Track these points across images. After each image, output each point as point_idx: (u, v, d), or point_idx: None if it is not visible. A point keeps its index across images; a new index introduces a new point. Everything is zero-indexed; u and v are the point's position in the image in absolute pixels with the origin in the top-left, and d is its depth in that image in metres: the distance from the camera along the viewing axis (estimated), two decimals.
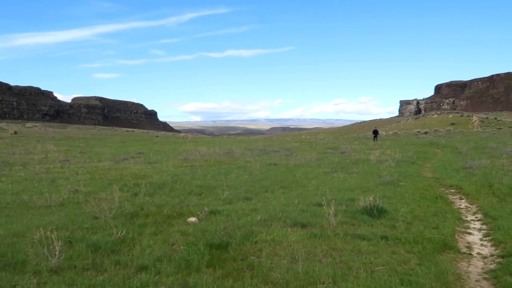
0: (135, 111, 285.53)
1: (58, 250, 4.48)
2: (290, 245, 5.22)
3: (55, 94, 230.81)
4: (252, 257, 4.81)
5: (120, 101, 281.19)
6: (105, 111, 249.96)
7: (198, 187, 10.35)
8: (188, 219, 6.66)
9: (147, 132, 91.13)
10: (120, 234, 5.50)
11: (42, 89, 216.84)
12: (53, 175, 12.95)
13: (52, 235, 4.70)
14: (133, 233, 5.77)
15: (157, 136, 65.41)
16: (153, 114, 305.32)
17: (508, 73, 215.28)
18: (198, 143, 38.27)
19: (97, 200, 7.92)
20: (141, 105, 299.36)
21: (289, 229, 5.99)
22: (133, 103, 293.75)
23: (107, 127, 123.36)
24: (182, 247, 5.16)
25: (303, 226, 6.21)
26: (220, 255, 4.91)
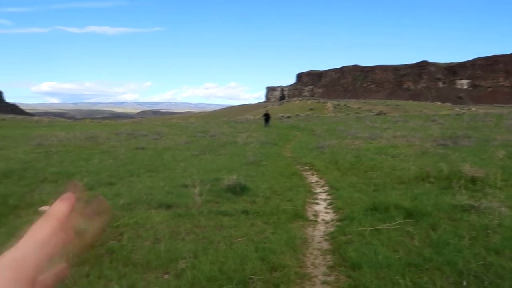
0: None
1: None
2: (154, 226, 5.20)
3: None
4: (113, 242, 4.65)
5: None
6: None
7: (54, 174, 9.40)
8: (40, 208, 6.04)
9: None
10: None
11: None
12: None
13: None
14: None
15: (3, 119, 56.69)
16: None
17: (355, 65, 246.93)
18: (56, 127, 34.52)
19: None
20: None
21: (154, 211, 5.94)
22: None
23: None
24: None
25: (168, 207, 6.22)
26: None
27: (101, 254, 4.26)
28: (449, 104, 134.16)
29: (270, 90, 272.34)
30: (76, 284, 3.42)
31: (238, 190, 7.14)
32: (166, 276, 3.75)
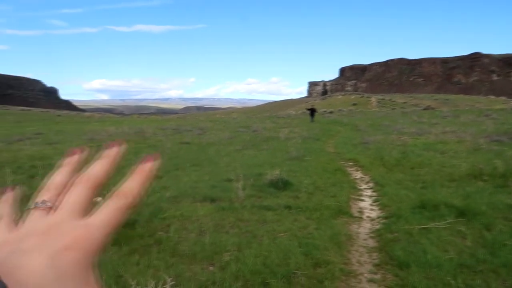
0: (31, 88, 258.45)
1: None
2: (199, 219, 5.33)
3: None
4: (160, 233, 4.82)
5: (12, 76, 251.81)
6: None
7: None
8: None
9: (47, 111, 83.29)
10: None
11: None
12: None
13: None
14: None
15: (59, 115, 60.24)
16: (53, 91, 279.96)
17: (401, 58, 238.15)
18: (106, 122, 36.21)
19: None
20: (39, 82, 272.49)
21: (199, 204, 6.08)
22: (28, 79, 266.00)
23: None
24: None
25: (213, 200, 6.34)
26: (127, 233, 4.83)
27: (149, 245, 4.43)
28: (504, 98, 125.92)
29: (312, 85, 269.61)
30: (127, 272, 3.57)
31: (281, 185, 7.15)
32: (211, 268, 3.84)
